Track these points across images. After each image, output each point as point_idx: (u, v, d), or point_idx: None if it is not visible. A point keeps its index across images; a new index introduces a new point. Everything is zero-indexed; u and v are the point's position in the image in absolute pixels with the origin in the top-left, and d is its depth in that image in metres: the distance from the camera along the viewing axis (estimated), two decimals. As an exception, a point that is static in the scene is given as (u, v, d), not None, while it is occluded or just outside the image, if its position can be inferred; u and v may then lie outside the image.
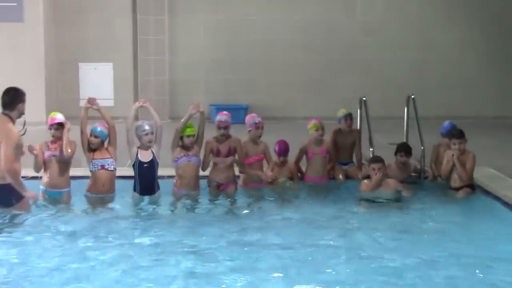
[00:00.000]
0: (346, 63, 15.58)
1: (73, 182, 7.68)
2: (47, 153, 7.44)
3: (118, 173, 7.77)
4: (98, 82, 15.08)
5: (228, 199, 7.84)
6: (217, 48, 15.47)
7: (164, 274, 5.45)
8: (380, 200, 7.70)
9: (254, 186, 8.19)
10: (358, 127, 9.33)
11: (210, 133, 8.11)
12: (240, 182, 8.23)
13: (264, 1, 15.53)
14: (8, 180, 6.55)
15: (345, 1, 15.68)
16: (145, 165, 7.60)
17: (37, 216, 6.95)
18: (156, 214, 7.36)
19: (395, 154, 8.49)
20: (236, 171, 8.19)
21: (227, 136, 8.00)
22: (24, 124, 6.80)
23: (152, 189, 7.74)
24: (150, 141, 7.60)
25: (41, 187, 7.49)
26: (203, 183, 8.03)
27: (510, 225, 7.03)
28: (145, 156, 7.62)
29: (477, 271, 5.54)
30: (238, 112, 13.21)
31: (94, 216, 7.15)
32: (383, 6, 15.63)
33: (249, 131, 8.26)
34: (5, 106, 6.66)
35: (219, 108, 11.23)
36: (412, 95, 9.36)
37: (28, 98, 6.84)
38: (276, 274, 5.47)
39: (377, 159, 7.98)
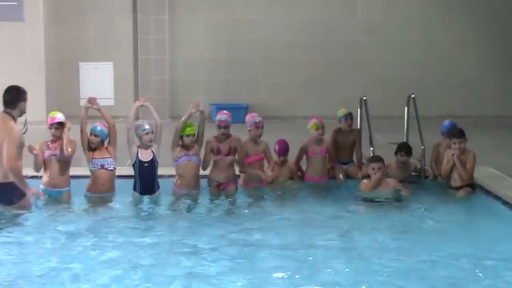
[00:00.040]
0: (346, 63, 15.58)
1: (73, 181, 7.67)
2: (47, 153, 7.44)
3: (118, 173, 7.77)
4: (99, 81, 15.08)
5: (228, 199, 7.84)
6: (217, 47, 15.48)
7: (164, 274, 5.44)
8: (380, 199, 7.70)
9: (254, 186, 8.18)
10: (359, 127, 9.32)
11: (211, 133, 8.10)
12: (240, 181, 8.23)
13: (264, 1, 15.53)
14: (10, 178, 6.57)
15: (345, 1, 15.68)
16: (145, 165, 7.60)
17: (37, 216, 6.95)
18: (156, 214, 7.37)
19: (396, 153, 8.48)
20: (237, 170, 8.19)
21: (228, 136, 8.00)
22: (25, 123, 6.81)
23: (152, 188, 7.73)
24: (150, 140, 7.60)
25: (41, 186, 7.48)
26: (203, 182, 8.03)
27: (510, 225, 7.02)
28: (145, 156, 7.61)
29: (477, 271, 5.54)
30: (238, 111, 13.20)
31: (94, 216, 7.15)
32: (384, 6, 15.63)
33: (249, 130, 8.25)
34: (6, 105, 6.67)
35: (220, 108, 11.22)
36: (412, 94, 9.36)
37: (28, 97, 6.84)
38: (276, 274, 5.47)
39: (376, 159, 7.98)
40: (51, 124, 7.47)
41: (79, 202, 7.55)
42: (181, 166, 7.77)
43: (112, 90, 15.20)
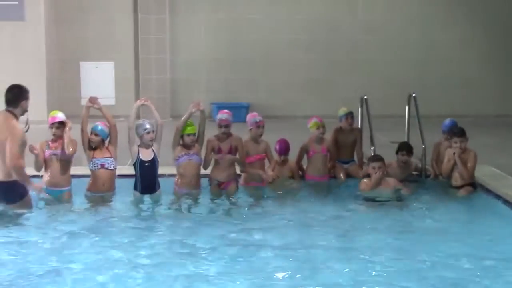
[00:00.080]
0: (347, 62, 15.56)
1: (74, 180, 7.67)
2: (47, 152, 7.44)
3: (118, 172, 7.78)
4: (99, 81, 15.08)
5: (229, 198, 7.84)
6: (218, 47, 15.47)
7: (165, 273, 5.45)
8: (380, 199, 7.69)
9: (255, 185, 8.18)
10: (359, 126, 9.32)
11: (212, 132, 8.10)
12: (241, 181, 8.22)
13: (265, 0, 15.50)
14: (13, 177, 6.59)
15: (346, 0, 15.66)
16: (146, 164, 7.60)
17: (38, 215, 6.96)
18: (157, 213, 7.37)
19: (396, 153, 8.47)
20: (238, 170, 8.18)
21: (228, 135, 8.00)
22: (27, 122, 6.83)
23: (153, 187, 7.73)
24: (151, 140, 7.60)
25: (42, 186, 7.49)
26: (204, 181, 8.03)
27: (511, 224, 7.02)
28: (146, 155, 7.61)
29: (477, 271, 5.53)
30: (239, 110, 13.17)
31: (95, 215, 7.15)
32: (385, 6, 15.61)
33: (250, 130, 8.25)
34: (8, 103, 6.69)
35: (220, 107, 11.19)
36: (413, 93, 9.35)
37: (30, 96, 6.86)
38: (277, 274, 5.47)
39: (376, 158, 7.98)
40: (52, 124, 7.48)
41: (80, 201, 7.56)
42: (182, 165, 7.77)
43: (113, 90, 15.20)
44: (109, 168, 7.60)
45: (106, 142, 7.65)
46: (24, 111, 6.76)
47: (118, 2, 15.17)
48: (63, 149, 7.36)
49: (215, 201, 7.75)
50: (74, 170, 7.71)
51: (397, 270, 5.54)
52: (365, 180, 7.94)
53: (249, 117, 8.37)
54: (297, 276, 5.43)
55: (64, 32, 14.90)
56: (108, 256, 5.86)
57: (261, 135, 8.25)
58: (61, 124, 7.44)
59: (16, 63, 13.70)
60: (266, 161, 8.35)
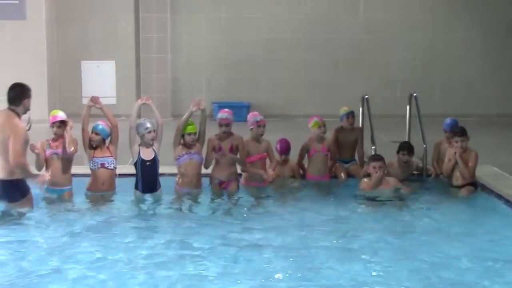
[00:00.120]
0: (349, 62, 15.57)
1: (74, 180, 7.67)
2: (48, 151, 7.45)
3: (119, 171, 7.78)
4: (101, 80, 15.09)
5: (230, 198, 7.83)
6: (219, 46, 15.47)
7: (165, 273, 5.44)
8: (381, 198, 7.69)
9: (256, 185, 8.17)
10: (360, 125, 9.31)
11: (213, 131, 8.10)
12: (242, 180, 8.22)
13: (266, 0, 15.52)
14: (16, 175, 6.60)
15: (348, 0, 15.65)
16: (147, 163, 7.60)
17: (38, 214, 6.95)
18: (157, 212, 7.36)
19: (397, 152, 8.46)
20: (239, 169, 8.18)
21: (229, 134, 8.00)
22: (29, 120, 6.84)
23: (154, 187, 7.73)
24: (152, 139, 7.60)
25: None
26: (205, 181, 8.02)
27: (512, 224, 7.02)
28: (147, 154, 7.61)
29: (478, 271, 5.52)
30: (240, 110, 13.17)
31: (97, 214, 7.14)
32: (386, 5, 15.60)
33: (251, 129, 8.24)
34: (11, 102, 6.70)
35: (221, 106, 11.19)
36: (414, 93, 9.34)
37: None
38: (277, 274, 5.46)
39: (377, 158, 7.97)
40: (53, 123, 7.47)
41: (80, 200, 7.56)
42: (183, 164, 7.77)
43: (114, 89, 15.21)
44: (109, 167, 7.60)
45: (107, 141, 7.65)
46: (26, 109, 6.77)
47: (119, 2, 15.17)
48: (64, 148, 7.37)
49: (216, 200, 7.75)
50: (75, 169, 7.72)
51: (397, 270, 5.53)
52: (365, 179, 7.93)
53: (250, 116, 8.36)
54: (297, 276, 5.42)
55: (65, 31, 14.90)
56: (108, 255, 5.85)
57: (262, 134, 8.24)
58: (62, 123, 7.44)
59: (17, 62, 13.70)
60: (267, 160, 8.34)
